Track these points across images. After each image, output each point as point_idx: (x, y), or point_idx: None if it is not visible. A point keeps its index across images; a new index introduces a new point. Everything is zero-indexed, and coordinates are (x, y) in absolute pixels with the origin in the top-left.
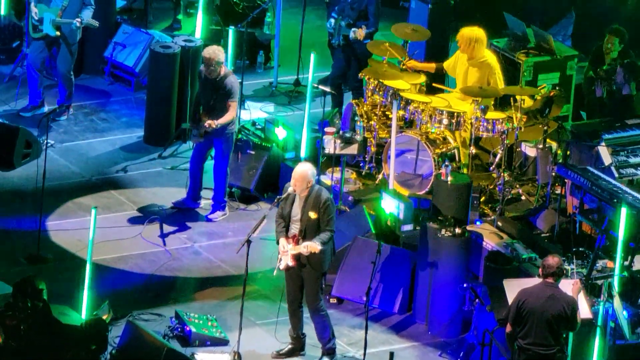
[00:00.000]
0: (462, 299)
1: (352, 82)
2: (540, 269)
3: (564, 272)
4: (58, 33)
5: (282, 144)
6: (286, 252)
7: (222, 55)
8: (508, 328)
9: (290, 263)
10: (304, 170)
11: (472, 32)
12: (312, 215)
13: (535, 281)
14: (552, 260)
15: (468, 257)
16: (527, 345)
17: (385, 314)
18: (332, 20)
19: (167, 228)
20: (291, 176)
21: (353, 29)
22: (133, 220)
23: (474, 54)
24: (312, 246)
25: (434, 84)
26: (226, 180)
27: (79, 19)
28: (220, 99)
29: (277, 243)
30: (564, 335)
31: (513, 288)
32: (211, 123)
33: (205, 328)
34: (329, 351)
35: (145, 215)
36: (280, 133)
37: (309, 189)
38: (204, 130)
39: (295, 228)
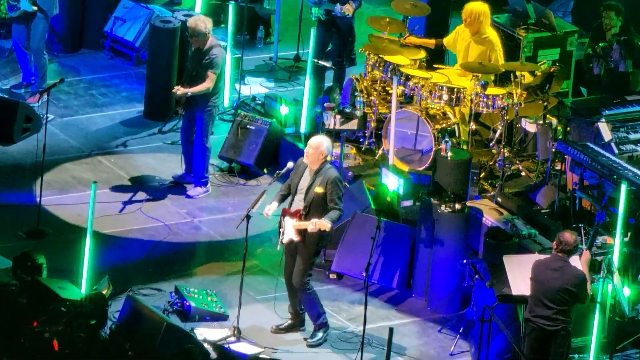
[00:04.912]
0: (462, 275)
1: (334, 57)
2: (555, 242)
3: (577, 250)
4: (35, 8)
5: (282, 120)
6: (269, 216)
7: (203, 26)
8: None
9: (296, 238)
10: (321, 140)
11: (479, 7)
12: (318, 189)
13: (534, 257)
14: (571, 237)
15: (468, 233)
16: (534, 318)
17: (384, 289)
18: None
19: (167, 203)
20: (306, 146)
21: (339, 5)
22: (133, 195)
23: (479, 29)
24: (322, 223)
25: (435, 65)
26: (206, 155)
27: None
28: (203, 69)
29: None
30: (570, 312)
31: (513, 264)
32: (178, 88)
33: (205, 303)
34: (321, 326)
35: (145, 190)
36: (283, 110)
37: (321, 163)
38: (179, 98)
39: (299, 201)
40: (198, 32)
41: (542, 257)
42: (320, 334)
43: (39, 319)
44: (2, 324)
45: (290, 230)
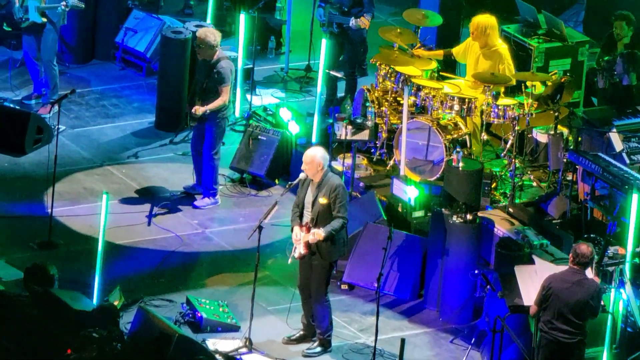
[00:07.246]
0: (474, 286)
1: (346, 68)
2: (570, 255)
3: (593, 261)
4: (44, 19)
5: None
6: (299, 241)
7: (212, 38)
8: (533, 310)
9: (303, 251)
10: (313, 153)
11: (486, 20)
12: (323, 200)
13: (544, 266)
14: (587, 249)
15: (479, 243)
16: (550, 331)
17: (396, 300)
18: (322, 10)
19: (178, 214)
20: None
21: (354, 18)
22: (144, 206)
23: (487, 41)
24: (317, 233)
25: (442, 73)
26: (214, 167)
27: (64, 2)
28: (212, 83)
29: (292, 231)
30: (586, 324)
31: (524, 274)
32: (197, 109)
33: (217, 314)
34: (324, 343)
35: (156, 200)
36: (293, 128)
37: (321, 174)
38: (194, 114)
39: (307, 215)
40: (206, 43)
41: (551, 266)
42: (320, 349)
43: (71, 345)
44: (18, 338)
45: (300, 244)
